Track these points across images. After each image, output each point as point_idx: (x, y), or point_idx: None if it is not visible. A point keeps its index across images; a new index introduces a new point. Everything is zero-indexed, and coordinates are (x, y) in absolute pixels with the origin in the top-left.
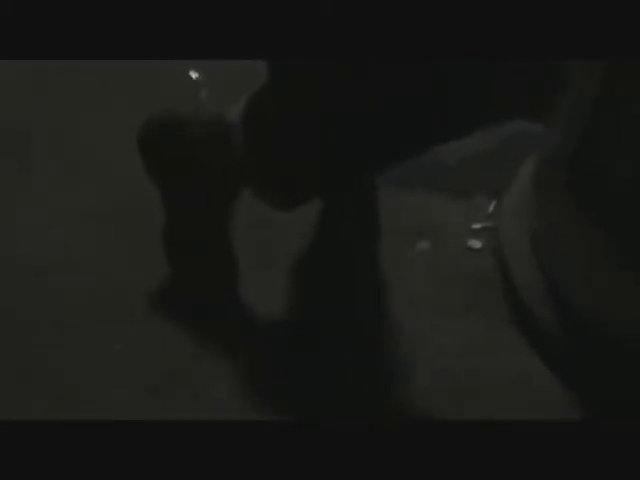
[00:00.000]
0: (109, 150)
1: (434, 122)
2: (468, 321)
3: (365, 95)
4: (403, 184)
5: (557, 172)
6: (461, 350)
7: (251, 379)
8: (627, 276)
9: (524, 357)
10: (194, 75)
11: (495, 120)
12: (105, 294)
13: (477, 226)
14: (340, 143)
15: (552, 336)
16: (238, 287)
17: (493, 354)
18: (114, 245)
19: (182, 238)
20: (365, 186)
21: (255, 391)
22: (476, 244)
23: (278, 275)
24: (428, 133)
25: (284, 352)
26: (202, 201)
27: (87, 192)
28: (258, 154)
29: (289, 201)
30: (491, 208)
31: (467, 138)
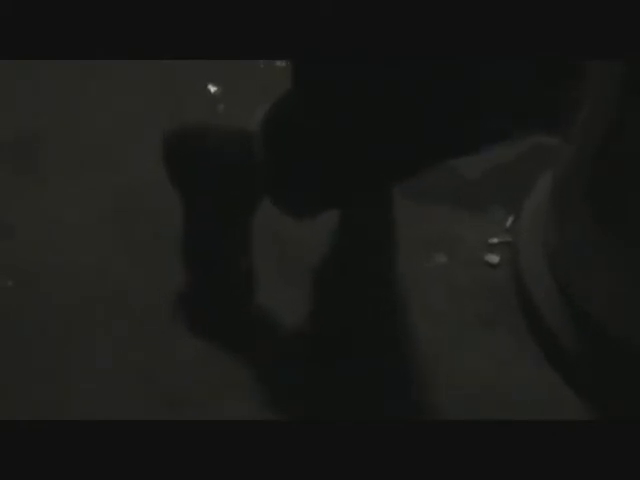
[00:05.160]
0: (120, 155)
1: (452, 135)
2: (485, 335)
3: (383, 106)
4: (421, 197)
5: (575, 185)
6: (479, 364)
7: (269, 391)
8: None
9: (543, 370)
10: (212, 88)
11: (513, 134)
12: (117, 299)
13: (494, 241)
14: (358, 154)
15: (572, 350)
16: (255, 297)
17: (511, 367)
18: (127, 250)
19: (200, 246)
20: (383, 198)
21: (272, 404)
22: (494, 259)
23: (295, 287)
24: (446, 146)
25: (301, 363)
26: (221, 210)
27: (96, 197)
28: (276, 165)
29: (306, 211)
30: (509, 223)
31: (485, 153)
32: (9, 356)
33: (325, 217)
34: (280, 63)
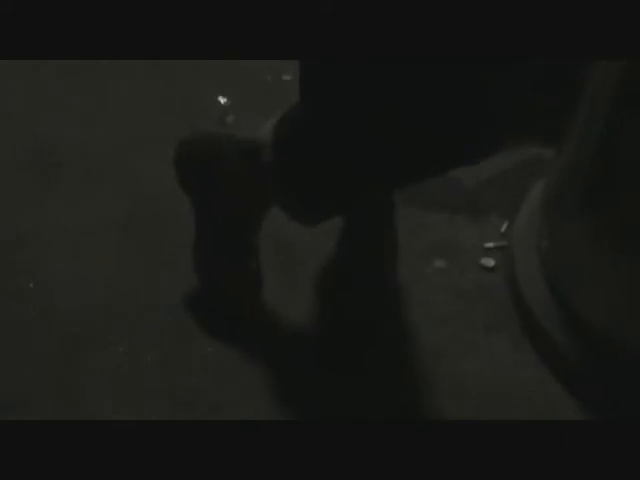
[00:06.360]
0: (134, 164)
1: (454, 145)
2: (482, 335)
3: (387, 116)
4: (421, 204)
5: (567, 193)
6: (478, 364)
7: (274, 391)
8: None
9: (537, 370)
10: (222, 100)
11: (508, 145)
12: (131, 302)
13: (490, 245)
14: (362, 163)
15: (564, 350)
16: (263, 299)
17: (507, 366)
18: (141, 255)
19: (211, 250)
20: (386, 206)
21: (277, 404)
22: (489, 262)
23: (301, 290)
24: (449, 156)
25: (305, 364)
26: (231, 216)
27: (109, 204)
28: (284, 173)
29: (313, 217)
30: (504, 228)
31: (482, 163)
32: (24, 357)
33: (330, 223)
34: (286, 77)
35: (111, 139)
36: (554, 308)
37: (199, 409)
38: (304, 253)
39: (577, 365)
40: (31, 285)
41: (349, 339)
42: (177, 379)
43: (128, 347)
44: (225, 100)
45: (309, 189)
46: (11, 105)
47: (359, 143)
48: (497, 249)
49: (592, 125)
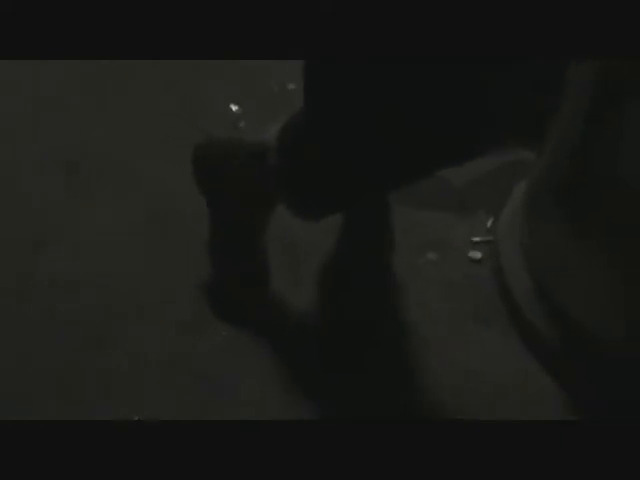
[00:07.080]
0: (152, 169)
1: (453, 146)
2: (468, 323)
3: (386, 118)
4: (414, 202)
5: (547, 192)
6: (464, 351)
7: (282, 384)
8: (611, 280)
9: (526, 364)
10: (234, 108)
11: (493, 148)
12: (129, 305)
13: (477, 239)
14: (363, 164)
15: (547, 341)
16: (268, 302)
17: (496, 359)
18: (140, 256)
19: (223, 250)
20: (382, 204)
21: (282, 407)
22: (476, 255)
23: (303, 285)
24: (444, 156)
25: (308, 366)
26: (242, 214)
27: (109, 204)
28: (289, 173)
29: (315, 214)
30: (489, 223)
31: (471, 163)
32: (24, 357)
33: (334, 224)
34: (291, 86)
35: (112, 140)
36: (535, 296)
37: (199, 409)
38: (308, 254)
39: (558, 353)
40: (31, 285)
41: (349, 339)
42: (177, 379)
43: (128, 347)
44: (237, 108)
45: (310, 189)
46: (11, 105)
47: (359, 143)
48: (484, 243)
49: (570, 126)
